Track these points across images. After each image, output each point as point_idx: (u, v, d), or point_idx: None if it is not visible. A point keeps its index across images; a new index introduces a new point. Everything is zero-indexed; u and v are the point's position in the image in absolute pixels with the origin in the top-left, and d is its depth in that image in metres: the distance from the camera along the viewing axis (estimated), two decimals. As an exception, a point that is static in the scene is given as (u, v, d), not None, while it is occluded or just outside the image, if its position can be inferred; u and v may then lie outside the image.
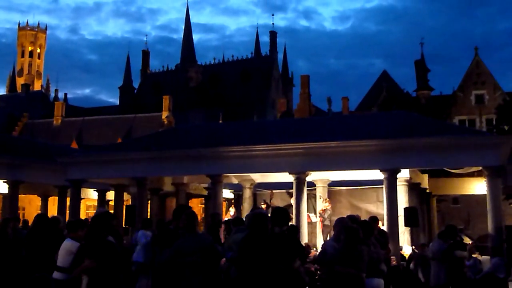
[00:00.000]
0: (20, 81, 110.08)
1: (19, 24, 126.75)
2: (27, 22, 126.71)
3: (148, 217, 24.01)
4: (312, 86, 67.81)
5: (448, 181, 22.28)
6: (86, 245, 7.17)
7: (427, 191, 22.58)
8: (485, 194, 16.75)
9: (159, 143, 21.25)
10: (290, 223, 8.08)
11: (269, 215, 7.61)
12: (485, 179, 16.42)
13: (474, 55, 47.63)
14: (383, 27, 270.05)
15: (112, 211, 27.46)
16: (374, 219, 13.92)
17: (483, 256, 16.33)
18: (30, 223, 22.37)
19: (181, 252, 7.25)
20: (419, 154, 16.30)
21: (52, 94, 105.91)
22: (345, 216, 8.81)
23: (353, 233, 7.02)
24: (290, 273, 6.14)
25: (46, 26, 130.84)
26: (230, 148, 18.34)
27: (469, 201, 37.92)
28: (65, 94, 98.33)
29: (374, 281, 7.41)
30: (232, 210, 19.73)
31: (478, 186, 21.10)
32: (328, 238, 18.08)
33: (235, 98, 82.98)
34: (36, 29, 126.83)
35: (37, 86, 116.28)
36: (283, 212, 6.92)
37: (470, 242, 24.53)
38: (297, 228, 11.96)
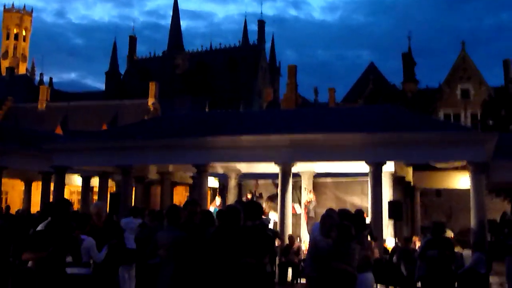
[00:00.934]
0: (4, 64, 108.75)
1: (4, 6, 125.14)
2: (12, 4, 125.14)
3: (133, 205, 24.01)
4: (299, 76, 68.16)
5: (432, 174, 22.41)
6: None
7: (411, 184, 22.73)
8: (468, 188, 16.91)
9: (144, 132, 21.14)
10: (263, 217, 8.09)
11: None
12: (469, 174, 16.54)
13: (461, 50, 47.83)
14: (371, 19, 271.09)
15: (96, 198, 27.46)
16: (361, 212, 14.02)
17: (464, 250, 16.46)
18: (11, 209, 22.31)
19: (157, 244, 7.32)
20: (405, 148, 16.37)
21: (37, 78, 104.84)
22: (331, 208, 8.66)
23: (345, 231, 6.99)
24: (260, 267, 6.14)
25: (32, 9, 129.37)
26: (216, 138, 18.28)
27: (452, 194, 38.14)
28: (51, 78, 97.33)
29: (364, 276, 7.43)
30: (218, 200, 19.71)
31: (461, 180, 21.27)
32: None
33: (222, 87, 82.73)
34: (22, 12, 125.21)
35: (22, 69, 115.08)
36: (256, 206, 6.96)
37: (452, 235, 24.71)
38: (267, 224, 11.92)
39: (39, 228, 7.50)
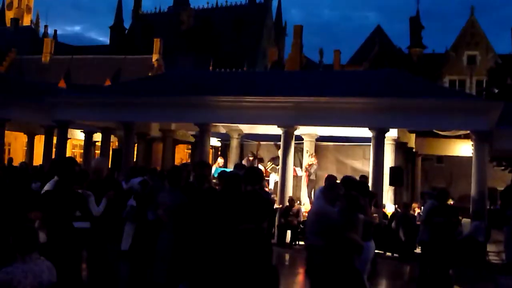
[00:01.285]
0: (9, 15, 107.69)
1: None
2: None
3: (135, 160, 24.06)
4: (305, 37, 67.45)
5: (434, 141, 22.36)
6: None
7: (413, 150, 22.68)
8: (470, 156, 16.86)
9: (147, 89, 21.00)
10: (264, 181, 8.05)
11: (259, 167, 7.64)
12: (472, 143, 16.45)
13: (470, 15, 47.17)
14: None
15: (98, 152, 27.45)
16: (365, 177, 14.04)
17: (463, 219, 16.52)
18: (14, 162, 22.36)
19: (158, 204, 7.36)
20: (409, 115, 16.24)
21: (42, 30, 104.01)
22: (332, 175, 8.55)
23: (354, 201, 6.91)
24: (259, 232, 6.15)
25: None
26: (219, 98, 18.15)
27: (453, 161, 38.17)
28: (55, 31, 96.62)
29: (367, 245, 7.41)
30: (220, 160, 19.68)
31: (463, 148, 21.23)
32: (312, 193, 18.25)
33: (227, 45, 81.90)
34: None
35: (26, 21, 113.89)
36: (256, 172, 6.97)
37: (452, 202, 24.81)
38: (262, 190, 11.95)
39: (46, 187, 7.50)
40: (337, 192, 7.39)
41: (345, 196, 7.09)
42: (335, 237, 5.44)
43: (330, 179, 7.94)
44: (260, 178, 6.80)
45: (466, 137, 18.59)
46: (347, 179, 8.11)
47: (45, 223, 6.60)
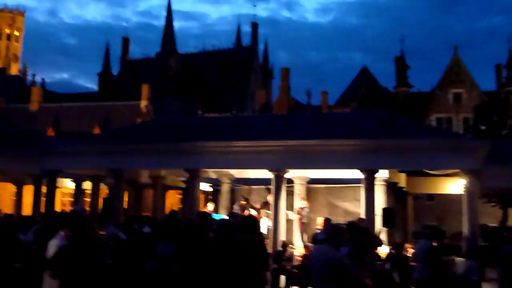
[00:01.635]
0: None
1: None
2: (5, 5, 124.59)
3: (125, 207, 23.89)
4: (292, 78, 67.89)
5: (424, 180, 22.38)
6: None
7: (404, 189, 22.68)
8: (460, 194, 16.88)
9: (137, 136, 21.01)
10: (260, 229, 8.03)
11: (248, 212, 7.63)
12: (462, 181, 16.50)
13: (454, 54, 48.02)
14: (364, 21, 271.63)
15: (88, 200, 27.22)
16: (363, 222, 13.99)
17: (456, 257, 16.44)
18: (2, 212, 22.09)
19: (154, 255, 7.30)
20: (398, 155, 16.30)
21: (30, 78, 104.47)
22: (329, 218, 8.61)
23: (364, 247, 6.96)
24: (260, 281, 6.13)
25: (24, 9, 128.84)
26: (209, 143, 18.16)
27: (443, 198, 38.25)
28: (43, 79, 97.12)
29: None
30: (210, 205, 19.58)
31: (453, 186, 21.23)
32: (305, 236, 18.14)
33: (215, 89, 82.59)
34: (15, 12, 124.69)
35: (14, 69, 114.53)
36: (252, 221, 6.93)
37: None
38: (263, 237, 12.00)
39: (53, 243, 7.40)
40: (344, 237, 7.32)
41: (356, 243, 7.08)
42: (351, 284, 5.42)
43: (333, 224, 7.99)
44: (256, 227, 6.80)
45: (456, 174, 18.65)
46: (352, 225, 8.22)
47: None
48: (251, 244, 6.24)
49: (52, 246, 7.42)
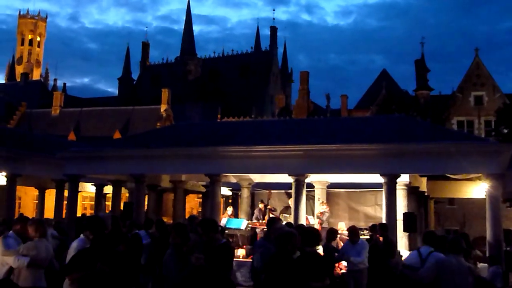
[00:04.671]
0: (19, 69, 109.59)
1: (19, 12, 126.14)
2: (27, 10, 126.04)
3: (145, 210, 23.99)
4: (311, 81, 67.83)
5: (446, 184, 22.24)
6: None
7: (425, 194, 22.53)
8: (482, 198, 16.68)
9: (157, 141, 21.11)
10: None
11: (265, 216, 7.66)
12: (485, 186, 16.29)
13: (475, 56, 47.52)
14: (385, 23, 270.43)
15: (109, 204, 27.40)
16: (384, 227, 13.90)
17: (480, 263, 16.24)
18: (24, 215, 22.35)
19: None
20: (420, 160, 16.17)
21: (51, 83, 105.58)
22: (347, 222, 8.61)
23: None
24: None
25: (46, 15, 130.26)
26: (229, 148, 18.20)
27: (465, 202, 37.88)
28: (64, 84, 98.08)
29: None
30: (230, 210, 19.60)
31: (475, 190, 21.02)
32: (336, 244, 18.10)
33: (234, 93, 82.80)
34: (37, 17, 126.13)
35: (36, 75, 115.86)
36: (314, 233, 7.02)
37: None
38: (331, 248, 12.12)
39: (74, 245, 7.42)
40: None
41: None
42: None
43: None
44: (318, 239, 6.90)
45: (478, 178, 18.45)
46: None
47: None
48: (316, 257, 6.34)
49: (73, 248, 7.43)
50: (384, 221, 16.22)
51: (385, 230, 13.80)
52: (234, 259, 10.60)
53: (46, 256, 8.20)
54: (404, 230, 17.39)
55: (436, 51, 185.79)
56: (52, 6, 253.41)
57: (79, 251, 6.95)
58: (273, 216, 18.09)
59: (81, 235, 7.45)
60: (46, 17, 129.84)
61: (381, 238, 13.01)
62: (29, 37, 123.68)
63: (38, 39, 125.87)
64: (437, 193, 23.55)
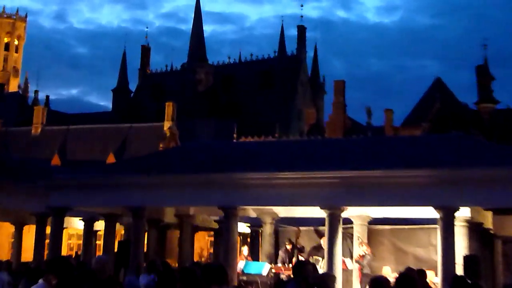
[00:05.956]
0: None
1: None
2: (3, 8, 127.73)
3: (145, 251, 24.06)
4: (348, 93, 67.47)
5: (516, 219, 22.06)
6: None
7: (491, 231, 22.36)
8: None
9: (160, 165, 21.25)
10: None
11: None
12: None
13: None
14: (438, 21, 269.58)
15: (100, 243, 27.50)
16: (422, 273, 13.85)
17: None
18: None
19: None
20: (483, 189, 16.14)
21: (32, 96, 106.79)
22: (394, 265, 8.58)
23: None
24: None
25: (26, 14, 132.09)
26: (248, 175, 18.27)
27: (541, 242, 37.47)
28: (47, 97, 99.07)
29: None
30: (245, 249, 19.61)
31: (554, 226, 20.88)
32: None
33: (253, 107, 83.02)
34: (15, 17, 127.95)
35: (13, 86, 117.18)
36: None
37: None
38: None
39: None
40: None
41: None
42: None
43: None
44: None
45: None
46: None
47: None
48: None
49: None
50: (440, 265, 16.12)
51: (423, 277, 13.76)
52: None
53: None
54: (466, 276, 17.22)
55: (502, 55, 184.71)
56: (33, 3, 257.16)
57: None
58: (302, 258, 18.08)
59: (40, 281, 7.41)
60: (26, 16, 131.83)
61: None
62: (5, 40, 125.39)
63: (16, 42, 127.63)
64: (505, 230, 23.30)
